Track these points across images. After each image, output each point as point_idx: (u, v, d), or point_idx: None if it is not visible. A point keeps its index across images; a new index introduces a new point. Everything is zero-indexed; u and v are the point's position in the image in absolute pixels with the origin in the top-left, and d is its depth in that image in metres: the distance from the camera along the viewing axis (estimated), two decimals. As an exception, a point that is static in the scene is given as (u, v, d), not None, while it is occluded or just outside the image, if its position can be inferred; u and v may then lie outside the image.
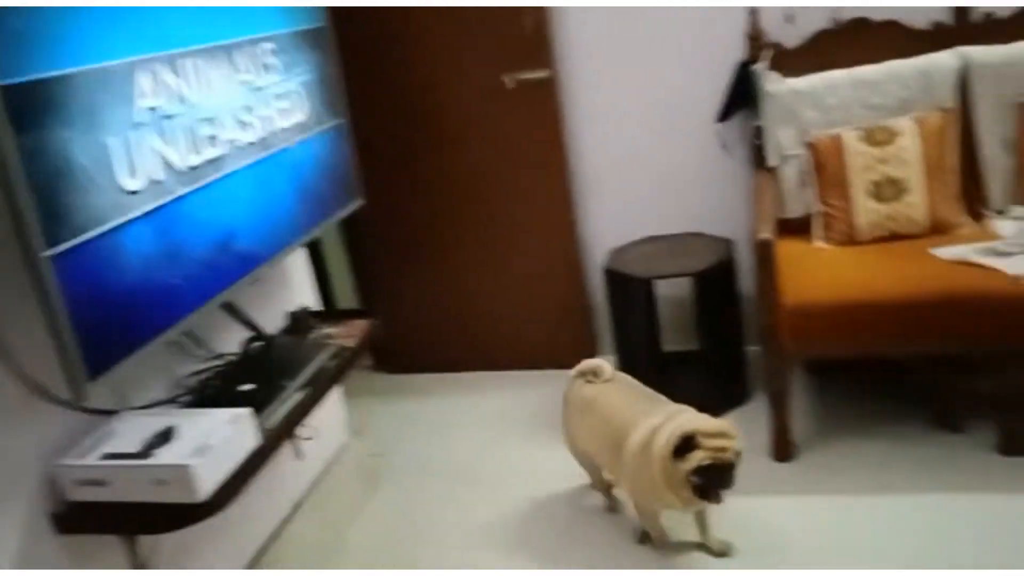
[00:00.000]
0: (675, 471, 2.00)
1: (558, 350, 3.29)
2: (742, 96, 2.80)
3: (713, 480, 1.99)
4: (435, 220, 3.25)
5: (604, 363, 2.37)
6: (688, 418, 2.10)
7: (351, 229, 3.35)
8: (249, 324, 2.01)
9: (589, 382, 2.35)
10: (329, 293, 3.43)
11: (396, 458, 2.92)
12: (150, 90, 1.58)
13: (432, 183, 3.19)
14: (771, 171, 2.75)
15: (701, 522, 2.21)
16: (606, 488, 2.43)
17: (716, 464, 1.98)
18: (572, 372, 2.40)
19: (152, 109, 1.58)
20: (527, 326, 3.31)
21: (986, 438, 2.43)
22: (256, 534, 2.20)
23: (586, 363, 2.38)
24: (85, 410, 1.64)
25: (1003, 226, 2.48)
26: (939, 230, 2.55)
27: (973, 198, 2.62)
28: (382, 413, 3.21)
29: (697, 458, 1.98)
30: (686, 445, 1.99)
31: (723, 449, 1.99)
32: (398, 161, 3.18)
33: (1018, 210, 2.53)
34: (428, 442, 3.00)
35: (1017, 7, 2.55)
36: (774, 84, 2.68)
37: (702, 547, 2.22)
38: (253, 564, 2.14)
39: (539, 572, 2.17)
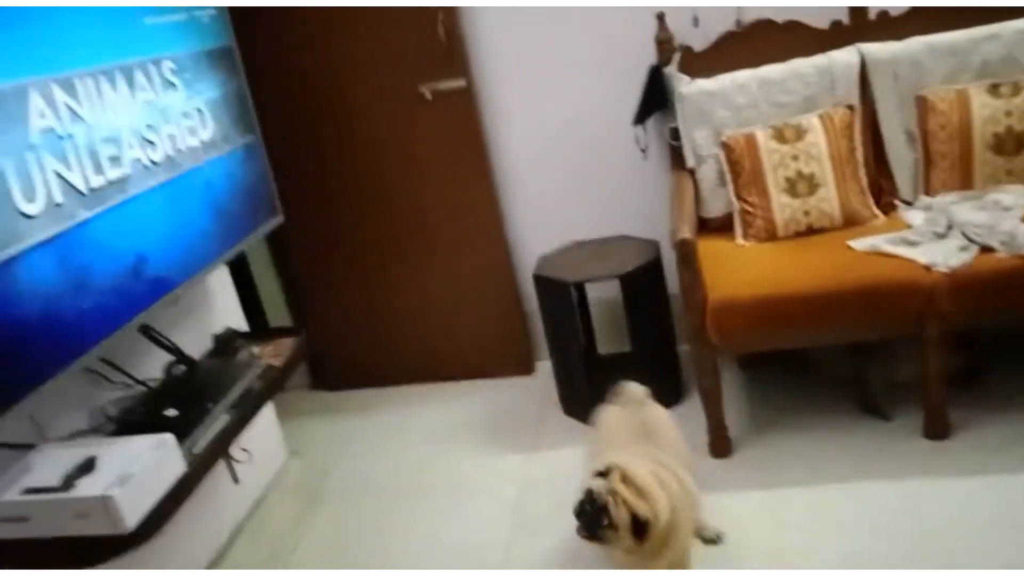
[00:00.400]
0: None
1: (494, 358, 3.33)
2: (656, 99, 2.86)
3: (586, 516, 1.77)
4: (361, 234, 3.25)
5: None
6: (627, 458, 1.88)
7: (277, 246, 3.33)
8: (169, 348, 1.99)
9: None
10: (260, 312, 3.39)
11: (337, 476, 2.90)
12: (44, 111, 1.55)
13: (356, 197, 3.19)
14: (690, 172, 2.82)
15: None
16: None
17: (587, 499, 1.77)
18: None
19: (48, 130, 1.56)
20: (462, 336, 3.33)
21: (913, 424, 2.50)
22: (195, 561, 2.16)
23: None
24: (2, 445, 1.60)
25: (912, 216, 2.58)
26: (852, 223, 2.64)
27: (883, 190, 2.73)
28: (321, 431, 3.18)
29: (614, 537, 1.76)
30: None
31: (625, 500, 1.76)
32: (320, 176, 3.17)
33: (925, 200, 2.63)
34: (369, 458, 2.98)
35: (910, 5, 2.66)
36: (685, 86, 2.75)
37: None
38: (191, 593, 2.11)
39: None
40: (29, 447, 1.66)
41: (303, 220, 2.90)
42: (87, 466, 1.56)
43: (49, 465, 1.59)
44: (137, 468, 1.54)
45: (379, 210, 3.20)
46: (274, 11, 2.92)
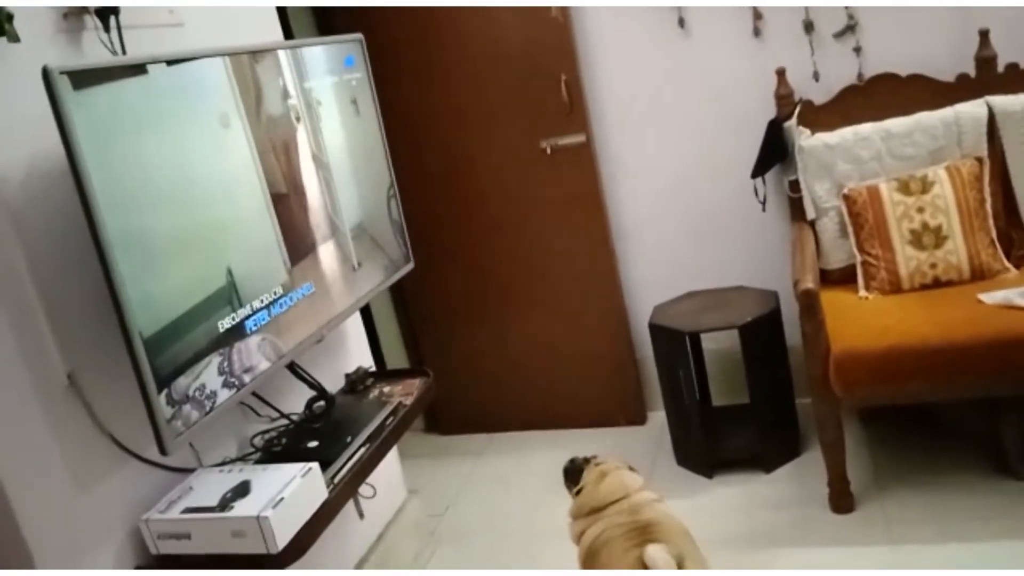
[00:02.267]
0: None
1: (607, 407, 3.35)
2: (775, 152, 2.89)
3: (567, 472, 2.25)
4: (480, 283, 3.36)
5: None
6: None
7: (398, 291, 3.48)
8: (312, 384, 2.11)
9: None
10: (379, 356, 3.53)
11: (452, 517, 2.97)
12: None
13: (477, 246, 3.32)
14: (810, 224, 2.82)
15: None
16: None
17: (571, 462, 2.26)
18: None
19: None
20: (575, 384, 3.37)
21: (1049, 483, 2.41)
22: (321, 593, 2.25)
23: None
24: (167, 468, 1.73)
25: (1045, 269, 2.51)
26: (981, 276, 2.58)
27: (1013, 243, 2.66)
28: (435, 474, 3.27)
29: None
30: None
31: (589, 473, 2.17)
32: (442, 225, 3.31)
33: (1058, 253, 2.56)
34: (483, 501, 3.04)
35: (1041, 56, 2.63)
36: (806, 139, 2.77)
37: None
38: (319, 623, 2.19)
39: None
40: (189, 471, 1.79)
41: (425, 267, 3.02)
42: (242, 489, 1.68)
43: (207, 488, 1.71)
44: (287, 493, 1.64)
45: (499, 259, 3.31)
46: (408, 62, 3.11)
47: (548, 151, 3.10)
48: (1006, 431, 2.53)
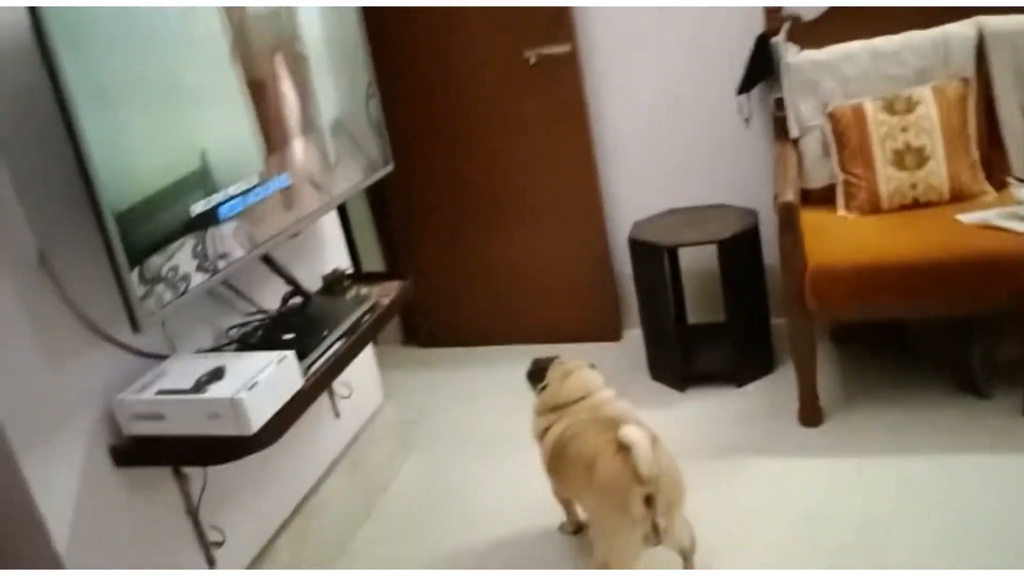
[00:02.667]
0: None
1: (583, 323, 3.37)
2: (762, 68, 2.86)
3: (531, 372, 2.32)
4: (459, 193, 3.33)
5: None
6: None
7: (378, 199, 3.44)
8: (288, 278, 2.09)
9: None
10: (356, 263, 3.50)
11: (427, 425, 3.00)
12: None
13: (457, 155, 3.28)
14: (793, 142, 2.81)
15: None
16: None
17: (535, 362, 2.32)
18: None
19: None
20: (552, 300, 3.38)
21: (1012, 403, 2.46)
22: (296, 487, 2.27)
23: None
24: (141, 353, 1.73)
25: (1024, 192, 2.52)
26: (961, 197, 2.59)
27: (994, 166, 2.66)
28: (411, 384, 3.29)
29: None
30: None
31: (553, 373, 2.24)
32: (423, 131, 3.27)
33: (1038, 176, 2.56)
34: (458, 411, 3.08)
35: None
36: (793, 56, 2.74)
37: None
38: (292, 516, 2.22)
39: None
40: (163, 357, 1.78)
41: (404, 173, 2.99)
42: (217, 374, 1.67)
43: (182, 372, 1.71)
44: (262, 377, 1.65)
45: (478, 170, 3.28)
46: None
47: (532, 61, 3.05)
48: (974, 351, 2.58)
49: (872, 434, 2.48)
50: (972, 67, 2.63)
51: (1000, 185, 2.62)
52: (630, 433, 1.79)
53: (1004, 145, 2.66)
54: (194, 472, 1.86)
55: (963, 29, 2.62)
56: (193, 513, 1.87)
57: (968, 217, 2.43)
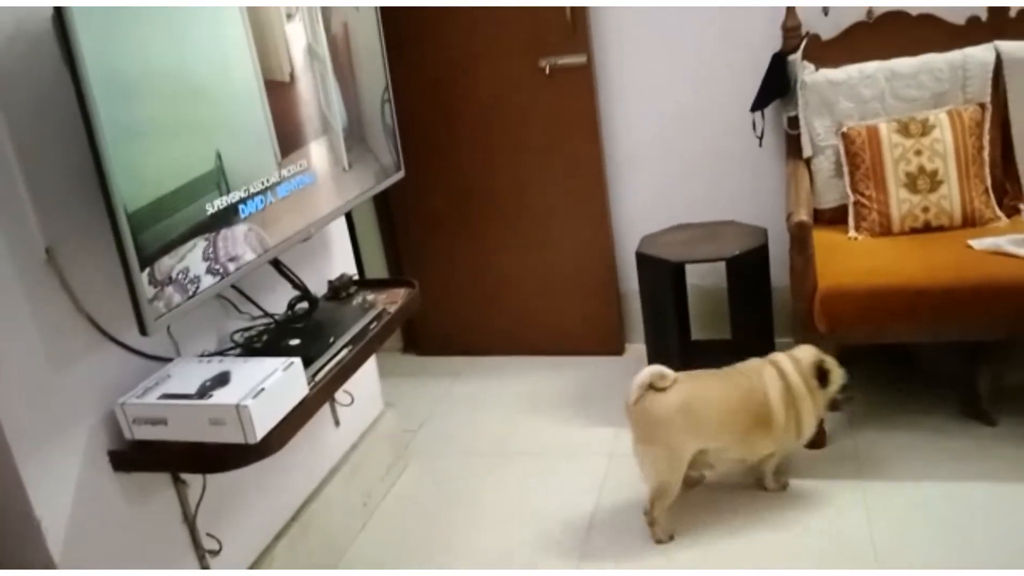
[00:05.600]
0: (823, 396, 2.29)
1: (586, 337, 3.35)
2: (777, 86, 2.84)
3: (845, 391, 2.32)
4: (468, 202, 3.30)
5: (663, 367, 2.24)
6: (798, 354, 2.31)
7: (384, 206, 3.41)
8: (296, 283, 2.06)
9: (660, 389, 2.22)
10: (360, 269, 3.48)
11: (427, 434, 2.97)
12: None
13: (462, 163, 3.25)
14: (805, 161, 2.79)
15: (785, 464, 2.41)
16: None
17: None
18: (635, 387, 2.23)
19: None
20: (556, 311, 3.36)
21: (1019, 430, 2.44)
22: (295, 494, 2.24)
23: (648, 371, 2.23)
24: (145, 355, 1.70)
25: (1036, 220, 2.51)
26: (972, 223, 2.57)
27: (1007, 193, 2.65)
28: (412, 392, 3.26)
29: (838, 376, 2.30)
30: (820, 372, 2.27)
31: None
32: (433, 140, 3.24)
33: (1051, 205, 2.55)
34: (458, 420, 3.05)
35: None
36: (809, 74, 2.72)
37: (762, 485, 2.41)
38: (290, 523, 2.19)
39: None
40: (166, 360, 1.75)
41: (412, 180, 2.95)
42: (222, 379, 1.64)
43: (186, 376, 1.68)
44: (268, 384, 1.61)
45: (488, 178, 3.25)
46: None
47: (547, 70, 3.02)
48: (981, 377, 2.56)
49: (876, 458, 2.46)
50: (989, 92, 2.62)
51: (1011, 212, 2.61)
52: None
53: (1018, 172, 2.65)
54: (192, 479, 1.83)
55: (981, 53, 2.61)
56: (190, 522, 1.83)
57: (980, 243, 2.41)
